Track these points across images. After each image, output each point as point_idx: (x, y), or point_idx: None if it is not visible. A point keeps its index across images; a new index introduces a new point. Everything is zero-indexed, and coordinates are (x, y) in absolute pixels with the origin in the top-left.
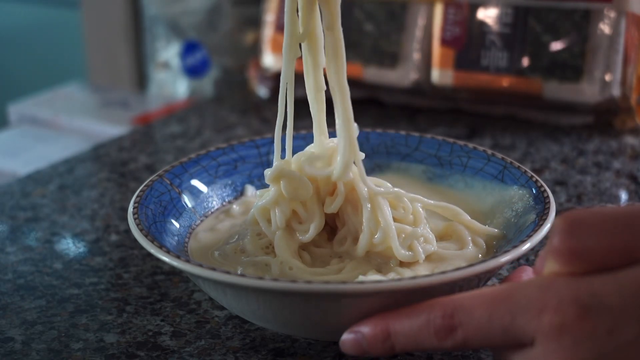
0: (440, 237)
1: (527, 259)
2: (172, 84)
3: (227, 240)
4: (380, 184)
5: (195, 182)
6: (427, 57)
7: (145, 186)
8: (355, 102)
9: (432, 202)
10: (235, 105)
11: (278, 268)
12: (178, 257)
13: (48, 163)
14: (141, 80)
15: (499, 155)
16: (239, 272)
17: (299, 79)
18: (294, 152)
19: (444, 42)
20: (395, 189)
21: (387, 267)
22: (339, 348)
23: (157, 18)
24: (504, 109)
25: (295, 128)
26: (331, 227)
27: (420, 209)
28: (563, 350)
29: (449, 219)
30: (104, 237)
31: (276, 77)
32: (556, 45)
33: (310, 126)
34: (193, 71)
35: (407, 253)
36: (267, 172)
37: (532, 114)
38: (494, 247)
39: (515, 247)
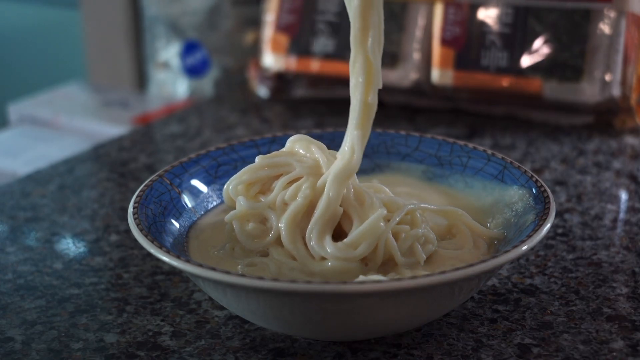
0: (442, 236)
1: (527, 259)
2: (172, 84)
3: (226, 239)
4: (379, 190)
5: (195, 182)
6: (427, 57)
7: (145, 186)
8: None
9: (433, 207)
10: (235, 105)
11: (277, 269)
12: (178, 257)
13: (48, 163)
14: (141, 80)
15: (499, 155)
16: (239, 272)
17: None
18: None
19: (444, 42)
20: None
21: (388, 267)
22: (339, 348)
23: (157, 18)
24: (504, 109)
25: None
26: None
27: (418, 214)
28: None
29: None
30: (104, 237)
31: (276, 77)
32: (556, 45)
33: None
34: (193, 71)
35: (409, 260)
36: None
37: (532, 114)
38: (495, 247)
39: (515, 247)
